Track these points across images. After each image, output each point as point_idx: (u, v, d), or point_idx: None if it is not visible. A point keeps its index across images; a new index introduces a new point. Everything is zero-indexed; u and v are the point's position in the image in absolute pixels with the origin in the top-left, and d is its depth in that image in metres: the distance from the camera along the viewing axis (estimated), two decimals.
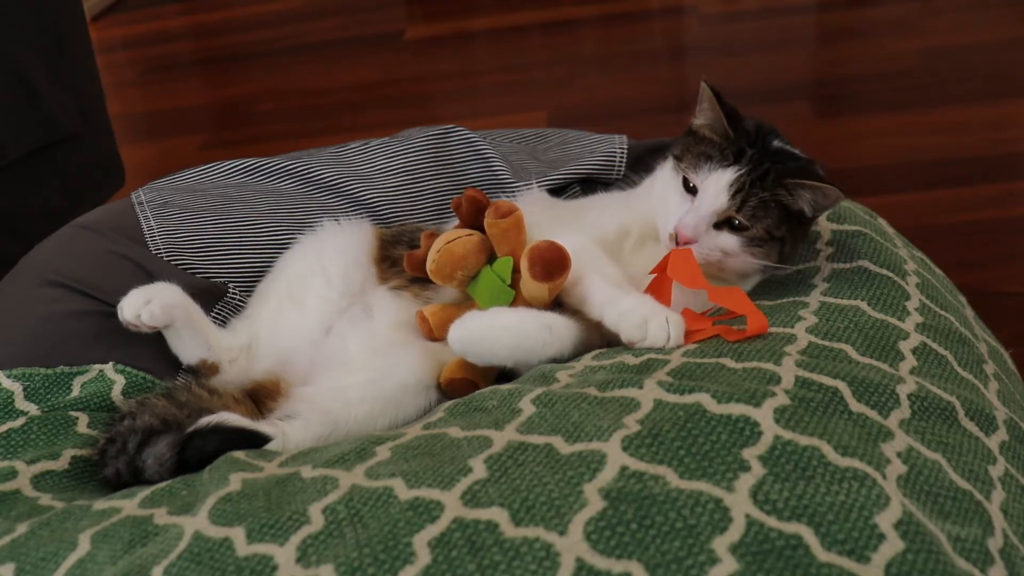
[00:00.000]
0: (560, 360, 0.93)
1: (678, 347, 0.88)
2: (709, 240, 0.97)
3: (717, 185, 0.96)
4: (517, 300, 0.98)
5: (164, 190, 1.32)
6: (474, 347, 0.91)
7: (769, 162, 0.97)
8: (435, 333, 1.03)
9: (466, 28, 3.21)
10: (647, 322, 0.89)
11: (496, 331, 0.91)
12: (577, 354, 0.94)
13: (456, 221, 1.08)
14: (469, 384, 0.97)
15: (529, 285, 0.95)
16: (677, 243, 0.97)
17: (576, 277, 0.95)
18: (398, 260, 1.09)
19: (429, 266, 1.01)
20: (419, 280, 1.07)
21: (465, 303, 1.04)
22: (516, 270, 0.98)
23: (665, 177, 1.03)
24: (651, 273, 0.98)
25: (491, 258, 1.02)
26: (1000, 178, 1.93)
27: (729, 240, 0.97)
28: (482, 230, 1.02)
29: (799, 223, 0.99)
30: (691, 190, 0.99)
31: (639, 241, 1.06)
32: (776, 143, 1.01)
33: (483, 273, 1.00)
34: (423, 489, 0.70)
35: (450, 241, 1.00)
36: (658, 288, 0.96)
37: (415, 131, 1.41)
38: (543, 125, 2.14)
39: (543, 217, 1.10)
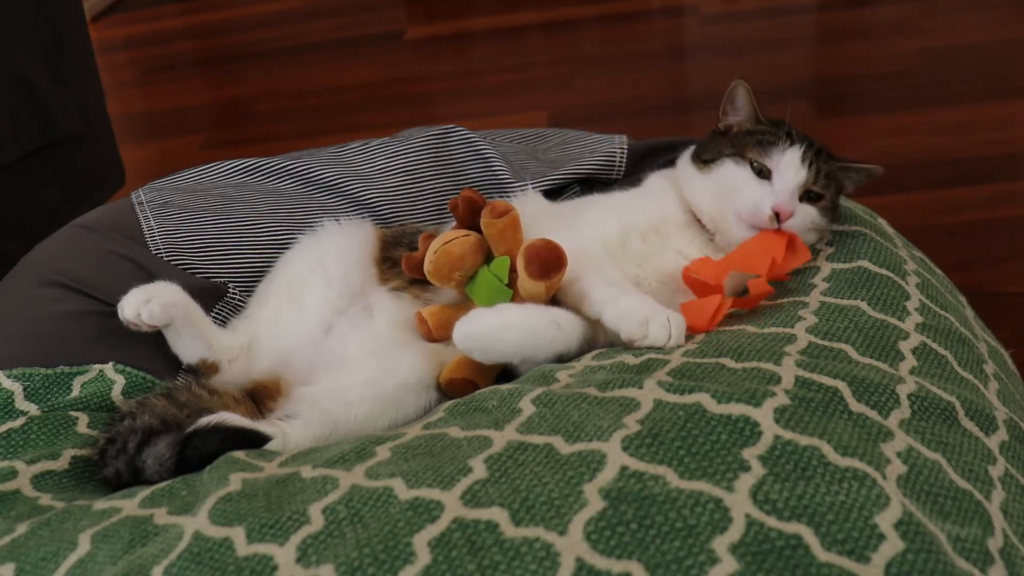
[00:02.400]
0: (565, 358, 0.93)
1: (679, 346, 0.88)
2: (801, 213, 1.02)
3: (794, 163, 1.02)
4: (515, 300, 0.98)
5: (164, 190, 1.32)
6: (480, 344, 0.91)
7: (820, 147, 1.05)
8: (434, 334, 1.03)
9: (466, 28, 3.21)
10: (648, 321, 0.90)
11: (502, 328, 0.91)
12: (581, 352, 0.94)
13: (455, 222, 1.08)
14: (469, 384, 0.97)
15: (526, 284, 0.95)
16: (780, 221, 1.00)
17: (574, 276, 0.95)
18: (398, 261, 1.09)
19: (426, 267, 1.01)
20: (418, 281, 1.07)
21: (464, 304, 1.04)
22: (513, 270, 0.98)
23: (724, 174, 1.05)
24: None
25: (488, 258, 1.02)
26: (1000, 178, 1.93)
27: (811, 211, 1.03)
28: (479, 230, 1.02)
29: (839, 194, 1.09)
30: (762, 176, 1.03)
31: (643, 240, 1.06)
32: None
33: (480, 273, 1.00)
34: (423, 489, 0.70)
35: (447, 242, 1.00)
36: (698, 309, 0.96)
37: (415, 131, 1.41)
38: (543, 125, 2.14)
39: (541, 217, 1.10)
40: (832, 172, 1.04)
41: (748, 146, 1.04)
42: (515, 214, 0.99)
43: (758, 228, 1.01)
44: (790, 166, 1.02)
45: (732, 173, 1.04)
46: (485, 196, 1.28)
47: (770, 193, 1.01)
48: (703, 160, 1.07)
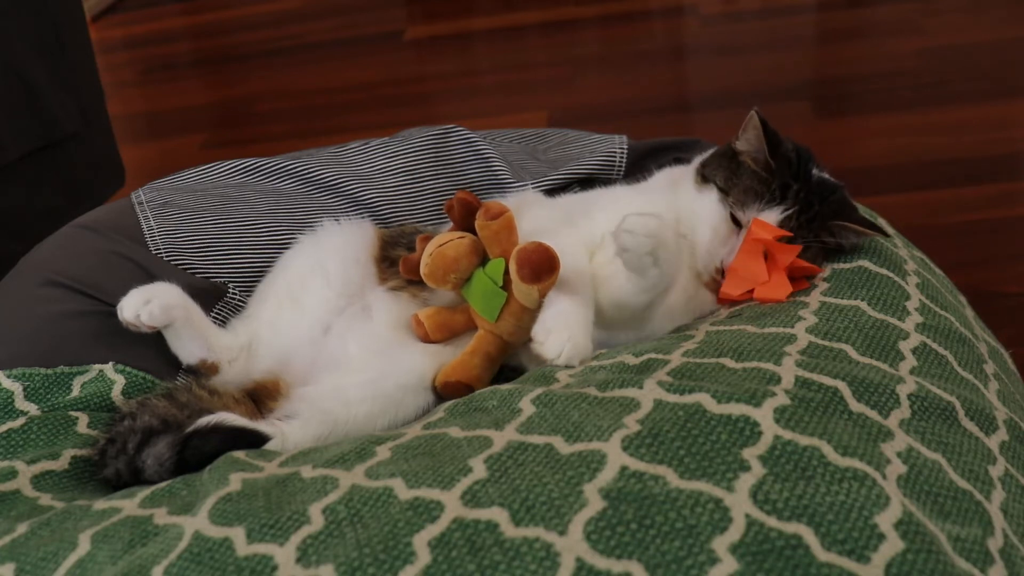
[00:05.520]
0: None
1: (568, 367, 0.89)
2: None
3: (771, 221, 0.97)
4: (510, 302, 0.98)
5: (164, 190, 1.32)
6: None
7: (816, 201, 0.98)
8: (431, 336, 1.03)
9: (466, 28, 3.20)
10: (550, 332, 0.91)
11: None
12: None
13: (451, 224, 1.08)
14: (464, 388, 0.97)
15: (520, 287, 0.95)
16: (723, 277, 0.98)
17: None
18: (397, 261, 1.09)
19: (422, 269, 1.01)
20: (416, 281, 1.07)
21: (461, 306, 1.04)
22: (508, 271, 0.98)
23: (707, 205, 1.01)
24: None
25: (484, 260, 1.01)
26: (1000, 178, 1.93)
27: None
28: (475, 232, 1.01)
29: (835, 252, 1.01)
30: (737, 222, 0.99)
31: None
32: (815, 172, 1.02)
33: (475, 275, 1.00)
34: (423, 489, 0.70)
35: (442, 244, 1.00)
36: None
37: (415, 131, 1.41)
38: (543, 125, 2.14)
39: (540, 217, 1.10)
40: (812, 244, 0.98)
41: (736, 188, 1.00)
42: (509, 216, 0.99)
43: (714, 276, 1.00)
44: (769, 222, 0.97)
45: (710, 208, 1.01)
46: (485, 196, 1.29)
47: (731, 247, 0.98)
48: (702, 175, 1.05)
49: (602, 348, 0.95)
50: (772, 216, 0.97)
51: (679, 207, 1.04)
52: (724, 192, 1.00)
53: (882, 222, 1.15)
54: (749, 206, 0.98)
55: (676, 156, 1.32)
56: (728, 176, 1.01)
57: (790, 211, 0.97)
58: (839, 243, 1.00)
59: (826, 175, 1.04)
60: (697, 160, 1.10)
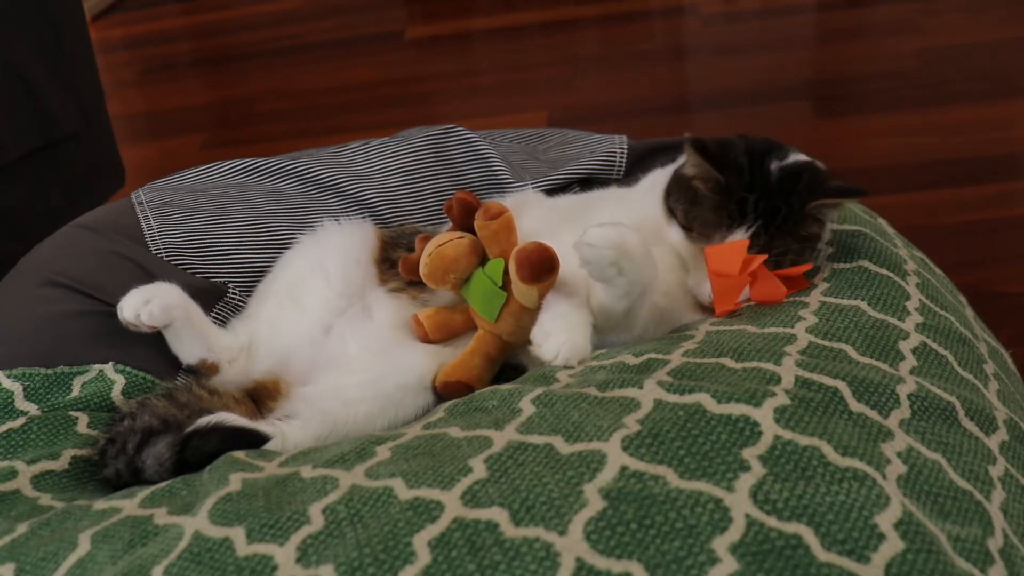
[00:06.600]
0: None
1: (567, 367, 0.89)
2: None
3: None
4: (510, 302, 0.98)
5: (164, 190, 1.32)
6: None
7: (782, 203, 0.95)
8: (430, 336, 1.03)
9: (466, 28, 3.20)
10: (548, 336, 0.91)
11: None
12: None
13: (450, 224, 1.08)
14: (464, 388, 0.97)
15: (519, 288, 0.95)
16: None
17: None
18: (397, 262, 1.09)
19: (421, 270, 1.01)
20: (416, 282, 1.07)
21: (461, 306, 1.04)
22: (508, 271, 0.98)
23: (683, 243, 1.00)
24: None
25: (484, 260, 1.01)
26: (1000, 178, 1.93)
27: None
28: (475, 232, 1.01)
29: (820, 229, 1.00)
30: None
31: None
32: (774, 165, 0.97)
33: (475, 276, 1.00)
34: (423, 489, 0.70)
35: (441, 244, 1.00)
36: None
37: (415, 131, 1.41)
38: (543, 125, 2.14)
39: (539, 218, 1.10)
40: (789, 243, 0.96)
41: (696, 221, 0.97)
42: (508, 216, 0.99)
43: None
44: None
45: (687, 247, 1.00)
46: (485, 196, 1.29)
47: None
48: (668, 206, 1.01)
49: (598, 349, 0.95)
50: (737, 239, 0.95)
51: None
52: (687, 228, 0.99)
53: (882, 222, 1.15)
54: (712, 237, 0.97)
55: (675, 156, 1.32)
56: (687, 209, 0.99)
57: (754, 227, 0.95)
58: (821, 223, 0.98)
59: (793, 158, 0.99)
60: (671, 167, 1.08)
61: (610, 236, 0.88)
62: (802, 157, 1.00)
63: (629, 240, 0.89)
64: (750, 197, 0.95)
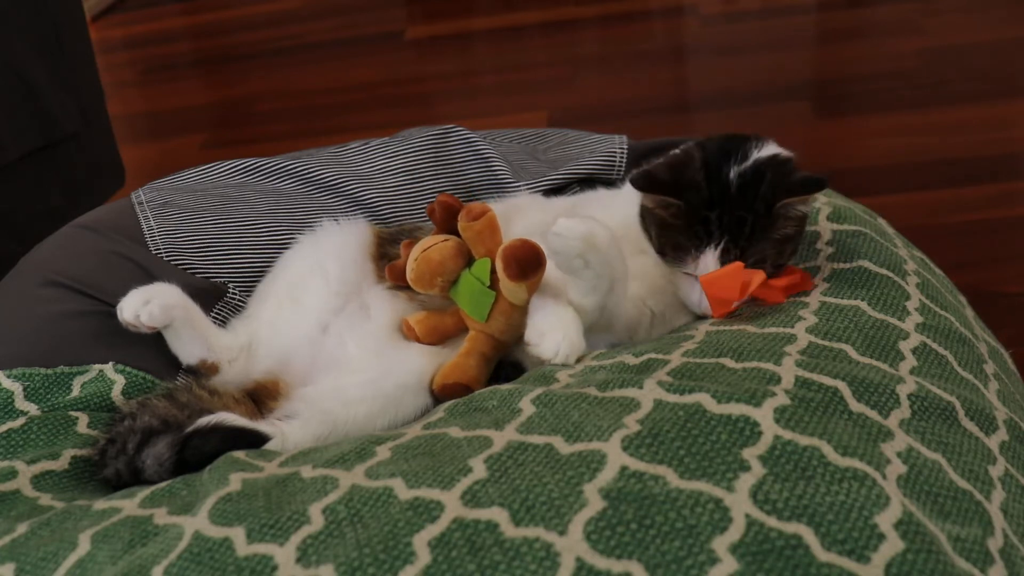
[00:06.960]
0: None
1: (567, 366, 0.89)
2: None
3: (711, 264, 0.94)
4: (499, 301, 0.98)
5: (164, 190, 1.32)
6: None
7: (747, 212, 0.93)
8: (422, 340, 1.03)
9: (466, 28, 3.20)
10: (543, 335, 0.91)
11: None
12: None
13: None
14: (463, 389, 0.97)
15: (508, 285, 0.95)
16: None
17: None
18: (394, 258, 1.09)
19: (408, 275, 1.00)
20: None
21: (451, 309, 1.03)
22: (495, 271, 0.98)
23: (657, 266, 1.00)
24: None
25: (470, 261, 1.01)
26: (1000, 178, 1.93)
27: (759, 273, 0.94)
28: (459, 234, 1.01)
29: (797, 226, 0.98)
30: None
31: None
32: (732, 172, 0.95)
33: (462, 277, 1.00)
34: (423, 489, 0.70)
35: (426, 248, 0.99)
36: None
37: (415, 131, 1.41)
38: (543, 125, 2.14)
39: (534, 221, 1.09)
40: (763, 246, 0.94)
41: (667, 247, 0.97)
42: (491, 215, 0.99)
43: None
44: (707, 269, 0.95)
45: (659, 269, 1.00)
46: (485, 196, 1.29)
47: (698, 290, 0.96)
48: (645, 229, 1.01)
49: (592, 350, 0.95)
50: (708, 258, 0.94)
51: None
52: (661, 253, 0.99)
53: (882, 222, 1.15)
54: (686, 262, 0.96)
55: None
56: (658, 234, 0.99)
57: (720, 242, 0.94)
58: (796, 219, 0.96)
59: (755, 155, 0.96)
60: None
61: (578, 228, 0.88)
62: (766, 151, 0.98)
63: (598, 233, 0.89)
64: (711, 215, 0.94)
